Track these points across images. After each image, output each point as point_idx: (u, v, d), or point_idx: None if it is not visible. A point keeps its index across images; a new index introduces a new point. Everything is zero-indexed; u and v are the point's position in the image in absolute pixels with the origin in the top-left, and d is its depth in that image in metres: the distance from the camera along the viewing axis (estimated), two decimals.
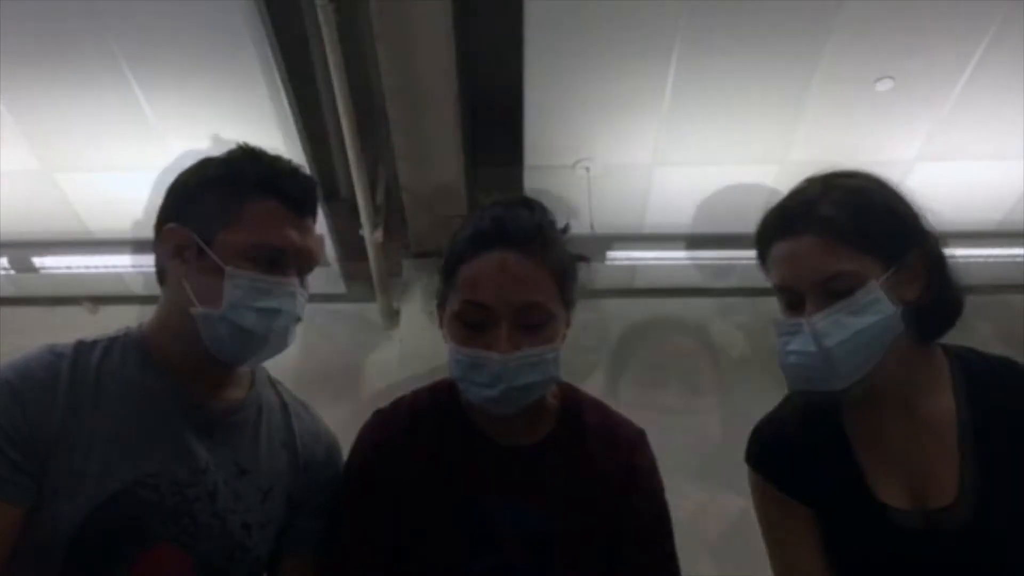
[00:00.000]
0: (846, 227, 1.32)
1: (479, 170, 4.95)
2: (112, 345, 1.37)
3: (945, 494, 1.32)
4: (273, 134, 4.39)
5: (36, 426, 1.25)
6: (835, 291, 1.32)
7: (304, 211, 1.40)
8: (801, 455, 1.44)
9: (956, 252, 1.40)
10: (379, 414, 1.50)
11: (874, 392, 1.37)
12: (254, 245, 1.35)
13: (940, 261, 1.38)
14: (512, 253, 1.35)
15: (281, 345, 1.37)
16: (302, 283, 1.40)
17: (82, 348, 1.35)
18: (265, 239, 1.35)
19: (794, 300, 1.37)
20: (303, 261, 1.39)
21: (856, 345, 1.30)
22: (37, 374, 1.29)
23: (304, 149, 4.50)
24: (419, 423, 1.45)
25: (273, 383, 1.49)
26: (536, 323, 1.35)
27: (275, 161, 1.44)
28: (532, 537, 1.39)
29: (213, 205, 1.37)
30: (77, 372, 1.31)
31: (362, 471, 1.44)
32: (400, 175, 4.55)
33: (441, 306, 1.44)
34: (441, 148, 4.29)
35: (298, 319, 1.37)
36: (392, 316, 5.33)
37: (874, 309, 1.30)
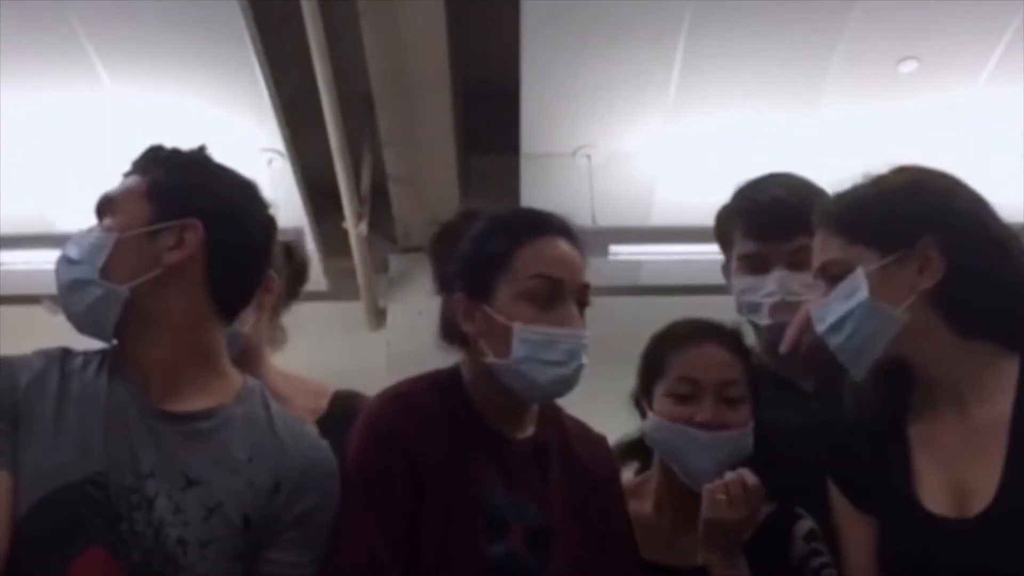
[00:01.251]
0: (839, 219, 1.45)
1: (472, 158, 4.95)
2: (93, 357, 1.43)
3: (982, 500, 1.34)
4: (249, 118, 4.39)
5: (18, 400, 1.35)
6: (831, 281, 1.44)
7: None
8: (866, 462, 1.49)
9: None
10: (391, 403, 1.50)
11: (929, 391, 1.44)
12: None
13: (968, 249, 1.39)
14: (565, 239, 1.52)
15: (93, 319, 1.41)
16: None
17: (67, 354, 1.44)
18: None
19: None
20: None
21: (846, 332, 1.42)
22: (32, 361, 1.40)
23: (283, 135, 4.50)
24: (432, 411, 1.51)
25: (267, 400, 1.49)
26: (585, 304, 1.50)
27: None
28: (532, 531, 1.47)
29: None
30: (63, 371, 1.40)
31: (376, 463, 1.46)
32: (387, 163, 4.54)
33: (488, 293, 1.47)
34: (431, 134, 4.28)
35: None
36: (378, 316, 5.34)
37: (856, 295, 1.41)
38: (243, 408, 1.45)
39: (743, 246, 1.78)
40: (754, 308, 1.76)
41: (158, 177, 1.47)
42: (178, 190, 1.45)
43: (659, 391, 1.68)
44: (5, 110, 4.15)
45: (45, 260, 4.71)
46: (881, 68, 4.11)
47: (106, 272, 1.40)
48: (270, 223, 1.57)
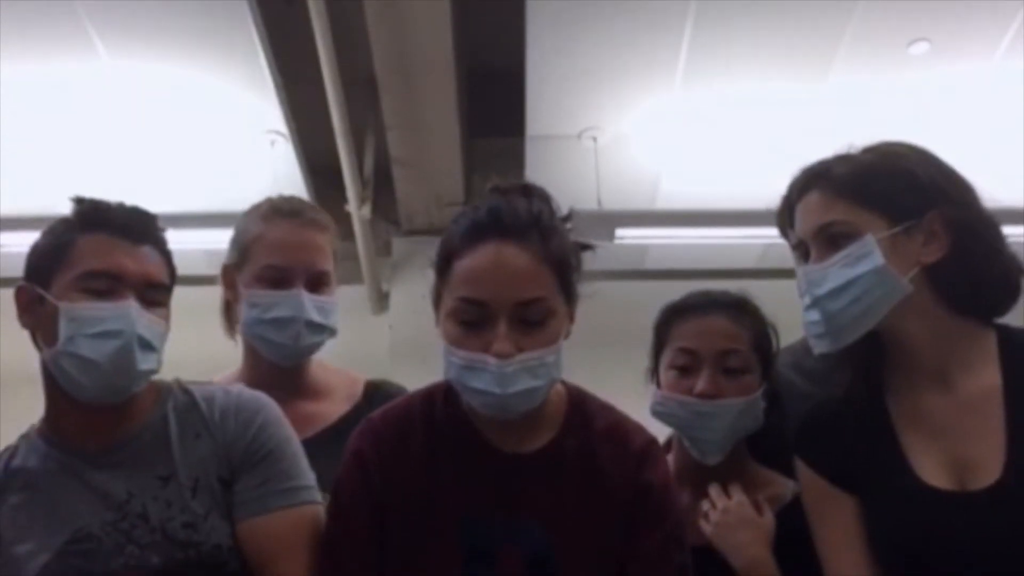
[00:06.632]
0: (847, 181, 1.44)
1: (477, 140, 4.94)
2: (18, 447, 1.56)
3: (988, 473, 1.36)
4: (251, 99, 4.38)
5: None
6: (832, 243, 1.43)
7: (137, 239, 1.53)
8: (845, 441, 1.49)
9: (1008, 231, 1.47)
10: (369, 423, 1.51)
11: (910, 366, 1.45)
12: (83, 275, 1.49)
13: (969, 228, 1.43)
14: (509, 245, 1.36)
15: (129, 368, 1.48)
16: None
17: (5, 451, 1.57)
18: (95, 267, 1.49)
19: (805, 256, 1.48)
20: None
21: (849, 297, 1.41)
22: None
23: (285, 115, 4.49)
24: (411, 433, 1.47)
25: (184, 387, 1.60)
26: (536, 319, 1.37)
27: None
28: (532, 555, 1.40)
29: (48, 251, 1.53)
30: (6, 471, 1.53)
31: (348, 487, 1.47)
32: (390, 145, 4.54)
33: (436, 304, 1.45)
34: (435, 115, 4.28)
35: (140, 338, 1.48)
36: (381, 300, 5.34)
37: (866, 261, 1.40)
38: (165, 406, 1.56)
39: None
40: None
41: None
42: None
43: (663, 363, 1.70)
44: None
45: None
46: (891, 50, 4.10)
47: None
48: None
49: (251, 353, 1.91)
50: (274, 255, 1.83)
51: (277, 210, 1.88)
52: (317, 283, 1.86)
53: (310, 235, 1.87)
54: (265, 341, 1.85)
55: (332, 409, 1.86)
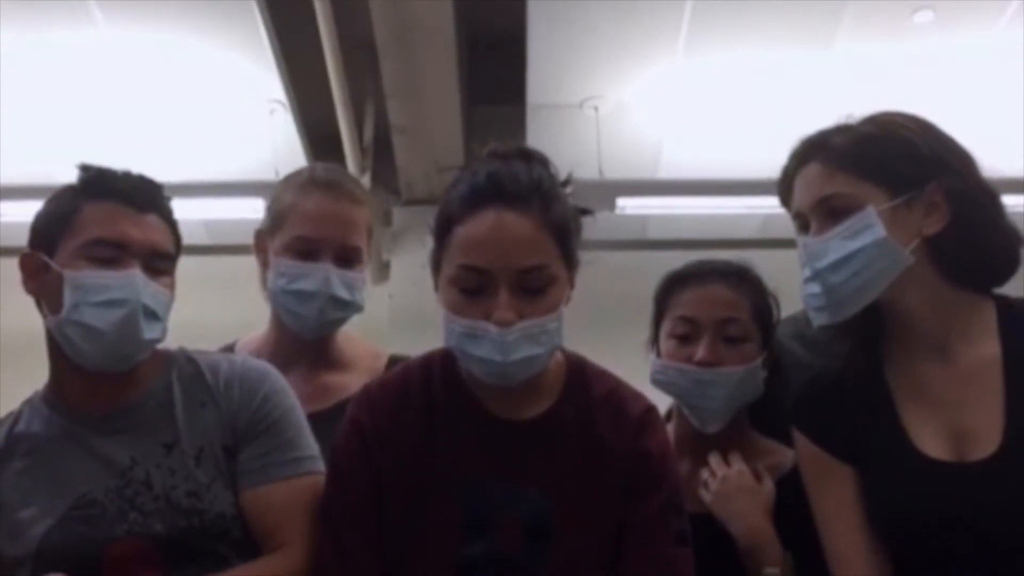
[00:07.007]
0: (847, 153, 1.43)
1: (477, 108, 4.92)
2: (21, 412, 1.57)
3: (987, 445, 1.37)
4: (250, 66, 4.36)
5: None
6: (833, 215, 1.42)
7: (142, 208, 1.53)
8: (844, 412, 1.49)
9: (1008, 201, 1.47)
10: (366, 392, 1.51)
11: (908, 337, 1.45)
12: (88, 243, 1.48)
13: (970, 199, 1.42)
14: (510, 212, 1.36)
15: (134, 336, 1.48)
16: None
17: (8, 417, 1.57)
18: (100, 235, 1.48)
19: (805, 227, 1.47)
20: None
21: (849, 270, 1.40)
22: None
23: (284, 84, 4.47)
24: (408, 401, 1.47)
25: (189, 356, 1.60)
26: (537, 287, 1.36)
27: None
28: (529, 521, 1.40)
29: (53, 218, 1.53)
30: (10, 435, 1.54)
31: (345, 456, 1.47)
32: (390, 113, 4.51)
33: (435, 270, 1.44)
34: (436, 83, 4.25)
35: (145, 307, 1.48)
36: (381, 269, 5.33)
37: (867, 233, 1.39)
38: (170, 374, 1.57)
39: None
40: None
41: None
42: None
43: (663, 332, 1.70)
44: None
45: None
46: (895, 18, 4.08)
47: None
48: None
49: (277, 320, 1.91)
50: (306, 226, 1.82)
51: (314, 180, 1.87)
52: (347, 258, 1.85)
53: (345, 209, 1.85)
54: (289, 312, 1.84)
55: (353, 381, 1.84)
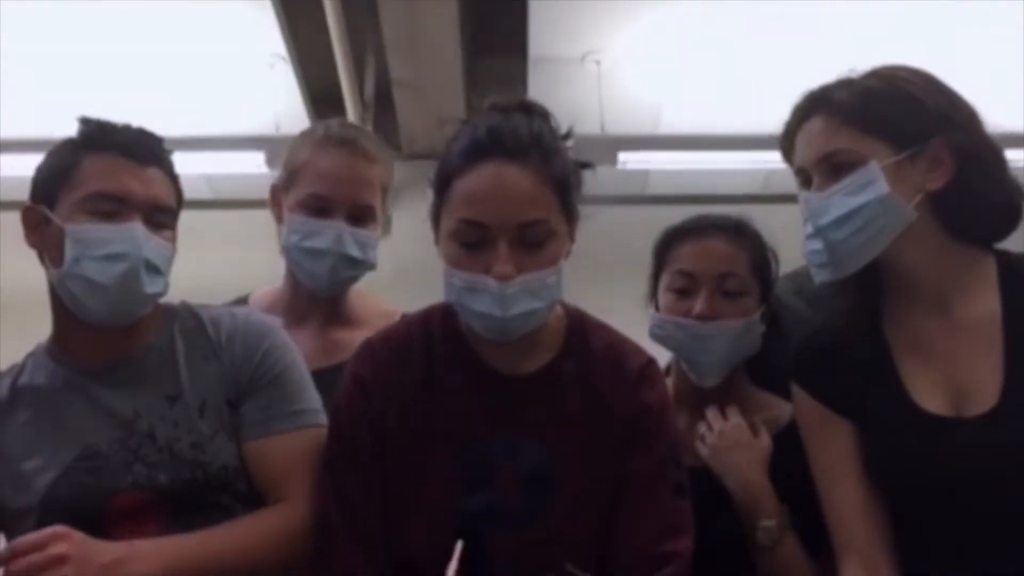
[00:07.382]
0: (851, 108, 1.41)
1: (478, 62, 4.89)
2: (25, 365, 1.57)
3: (985, 400, 1.37)
4: (251, 21, 4.32)
5: None
6: (835, 171, 1.41)
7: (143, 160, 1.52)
8: (843, 367, 1.50)
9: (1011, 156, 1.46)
10: (367, 346, 1.52)
11: (908, 292, 1.45)
12: (90, 196, 1.47)
13: (974, 154, 1.41)
14: (510, 166, 1.35)
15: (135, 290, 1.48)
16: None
17: (12, 369, 1.58)
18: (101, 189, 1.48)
19: (807, 183, 1.46)
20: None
21: (852, 227, 1.39)
22: None
23: (285, 37, 4.43)
24: (409, 355, 1.48)
25: (192, 310, 1.61)
26: (536, 241, 1.36)
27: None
28: (529, 474, 1.41)
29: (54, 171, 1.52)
30: (14, 387, 1.54)
31: (347, 408, 1.48)
32: (391, 67, 4.49)
33: (435, 224, 1.44)
34: (437, 37, 4.22)
35: (147, 261, 1.47)
36: (383, 225, 5.33)
37: (870, 189, 1.38)
38: (173, 327, 1.57)
39: None
40: None
41: None
42: None
43: (661, 286, 1.70)
44: None
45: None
46: None
47: None
48: None
49: (291, 276, 1.91)
50: (320, 183, 1.81)
51: (330, 137, 1.86)
52: (360, 216, 1.85)
53: (359, 166, 1.84)
54: (301, 268, 1.85)
55: (363, 339, 1.86)
